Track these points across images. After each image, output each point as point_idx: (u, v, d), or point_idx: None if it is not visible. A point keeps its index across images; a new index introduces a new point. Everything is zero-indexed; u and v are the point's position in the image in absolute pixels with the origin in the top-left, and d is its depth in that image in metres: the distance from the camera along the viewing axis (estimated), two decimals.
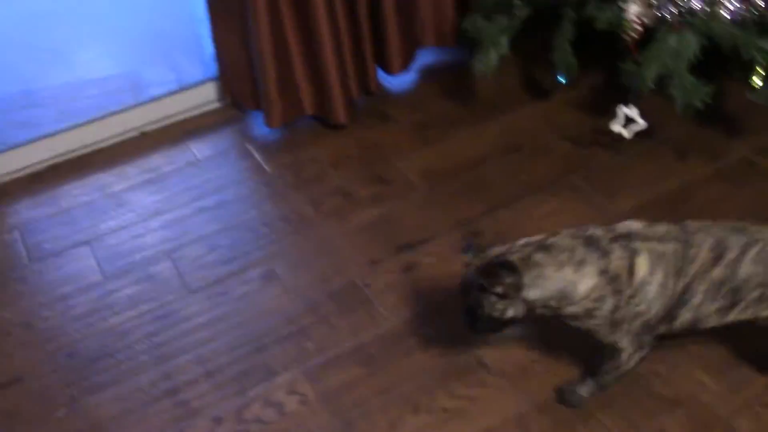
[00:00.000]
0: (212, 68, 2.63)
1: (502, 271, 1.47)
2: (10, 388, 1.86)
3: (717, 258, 1.52)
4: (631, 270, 1.50)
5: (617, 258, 1.50)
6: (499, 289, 1.47)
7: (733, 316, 1.56)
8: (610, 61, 2.21)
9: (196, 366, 1.85)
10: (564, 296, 1.49)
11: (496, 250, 1.52)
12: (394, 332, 1.88)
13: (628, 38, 2.02)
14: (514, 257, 1.49)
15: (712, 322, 1.57)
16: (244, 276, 2.07)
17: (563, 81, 2.31)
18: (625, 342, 1.56)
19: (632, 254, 1.50)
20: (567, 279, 1.48)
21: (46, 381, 1.86)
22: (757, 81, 1.92)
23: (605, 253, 1.50)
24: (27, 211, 2.37)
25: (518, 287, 1.48)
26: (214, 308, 1.99)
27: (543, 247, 1.50)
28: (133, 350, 1.91)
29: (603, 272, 1.49)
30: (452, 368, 1.79)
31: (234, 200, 2.33)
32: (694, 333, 1.62)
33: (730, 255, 1.52)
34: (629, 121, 2.20)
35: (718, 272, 1.52)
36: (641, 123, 2.17)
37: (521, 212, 2.16)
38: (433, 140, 2.46)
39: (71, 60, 3.07)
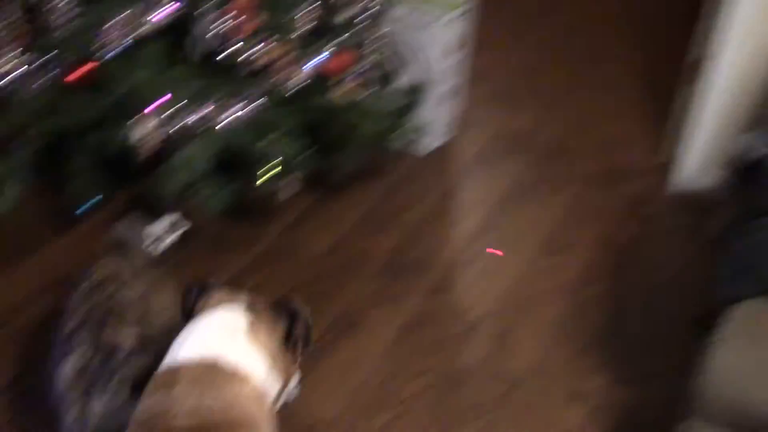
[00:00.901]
0: None
1: None
2: None
3: None
4: None
5: None
6: None
7: None
8: (136, 178, 2.24)
9: None
10: None
11: None
12: None
13: (144, 156, 2.09)
14: None
15: None
16: None
17: (92, 205, 2.29)
18: None
19: None
20: None
21: None
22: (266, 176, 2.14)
23: None
24: None
25: None
26: None
27: None
28: None
29: None
30: None
31: None
32: None
33: None
34: (169, 230, 2.25)
35: None
36: (177, 232, 2.23)
37: None
38: None
39: None
